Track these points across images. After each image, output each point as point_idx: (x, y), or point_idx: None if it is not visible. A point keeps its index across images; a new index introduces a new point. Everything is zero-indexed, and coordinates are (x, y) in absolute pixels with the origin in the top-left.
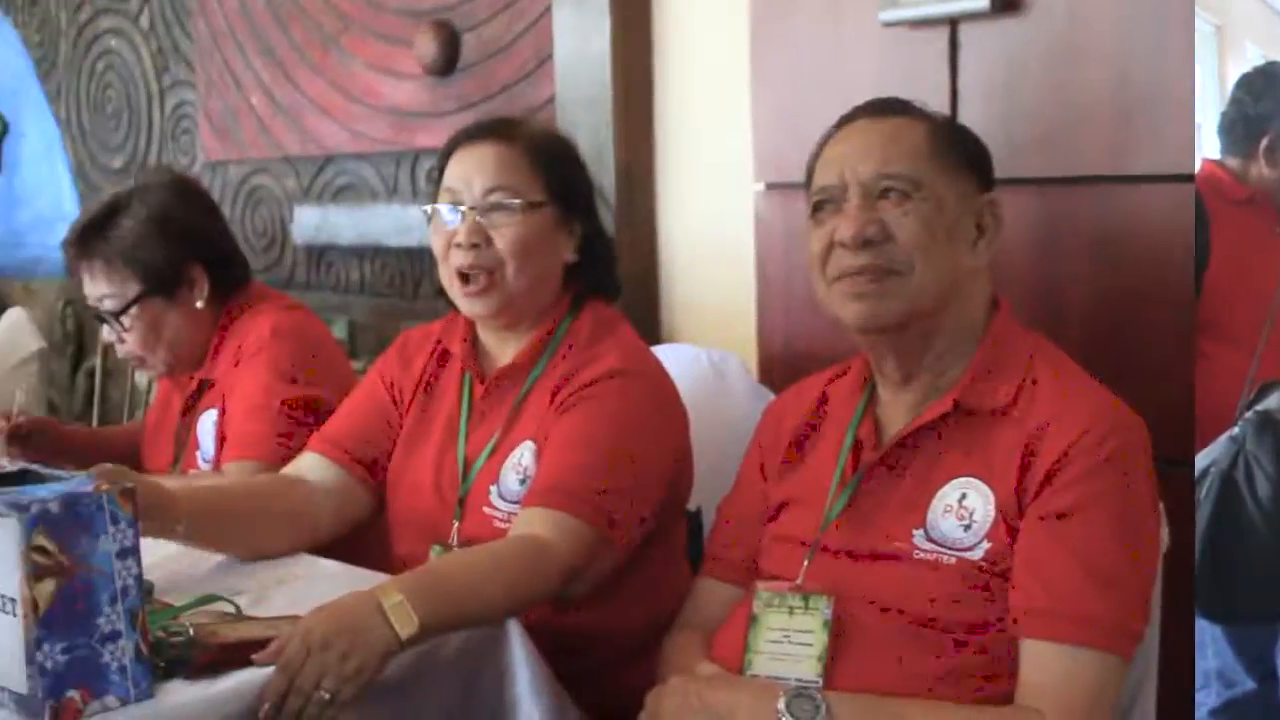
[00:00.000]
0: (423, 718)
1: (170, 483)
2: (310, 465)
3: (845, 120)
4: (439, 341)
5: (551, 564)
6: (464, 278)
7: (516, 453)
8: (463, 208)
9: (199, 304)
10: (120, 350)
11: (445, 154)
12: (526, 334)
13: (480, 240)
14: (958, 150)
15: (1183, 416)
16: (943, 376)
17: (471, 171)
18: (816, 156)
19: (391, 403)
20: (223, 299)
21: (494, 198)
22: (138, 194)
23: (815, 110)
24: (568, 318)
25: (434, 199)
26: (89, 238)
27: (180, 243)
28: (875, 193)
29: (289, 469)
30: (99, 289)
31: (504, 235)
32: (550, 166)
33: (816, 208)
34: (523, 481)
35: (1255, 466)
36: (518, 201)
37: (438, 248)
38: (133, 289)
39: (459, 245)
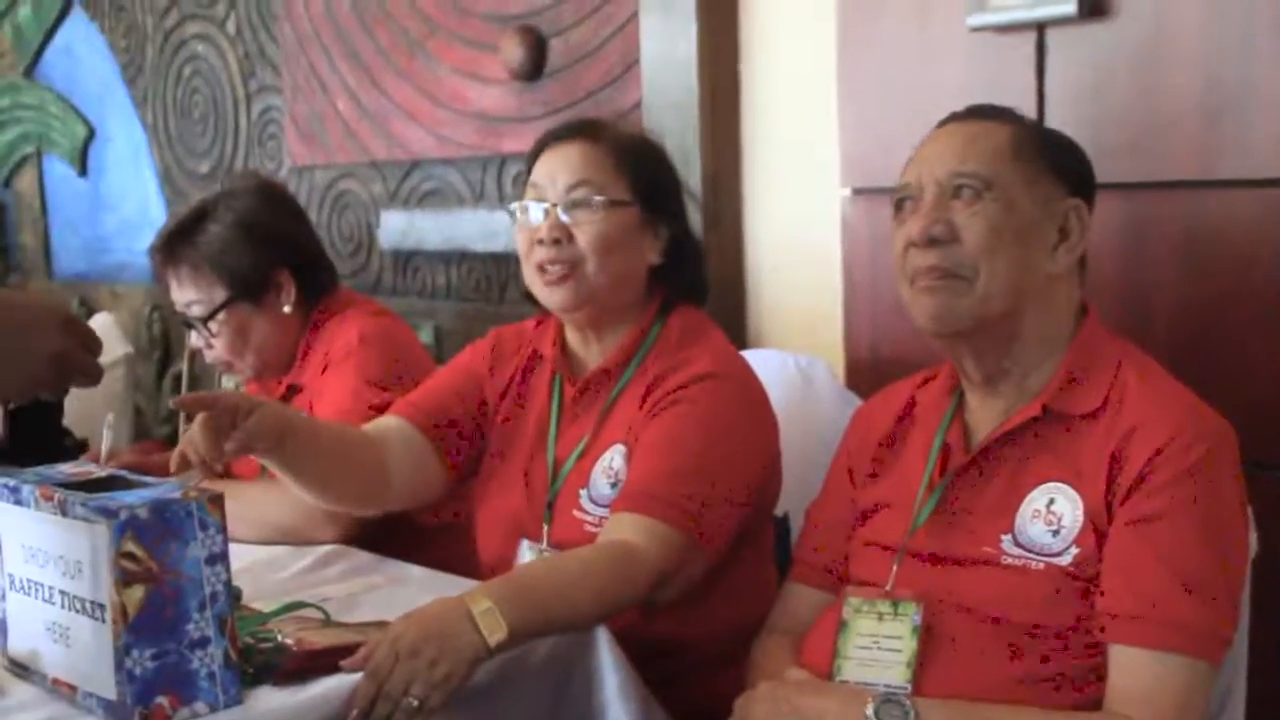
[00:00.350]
0: None
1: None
2: (391, 426)
3: (939, 125)
4: (531, 343)
5: (640, 570)
6: (543, 270)
7: (607, 456)
8: (546, 204)
9: (286, 309)
10: (208, 355)
11: (533, 154)
12: (615, 337)
13: (561, 236)
14: (1044, 155)
15: (1271, 421)
16: (1030, 382)
17: (557, 169)
18: (910, 160)
19: (477, 392)
20: (310, 304)
21: (577, 194)
22: (224, 200)
23: (902, 115)
24: (657, 321)
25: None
26: (176, 244)
27: (267, 248)
28: (949, 192)
29: (369, 426)
30: (186, 295)
31: (585, 232)
32: (636, 167)
33: (898, 207)
34: (613, 485)
35: None
36: (600, 198)
37: (522, 245)
38: (219, 295)
39: (540, 241)
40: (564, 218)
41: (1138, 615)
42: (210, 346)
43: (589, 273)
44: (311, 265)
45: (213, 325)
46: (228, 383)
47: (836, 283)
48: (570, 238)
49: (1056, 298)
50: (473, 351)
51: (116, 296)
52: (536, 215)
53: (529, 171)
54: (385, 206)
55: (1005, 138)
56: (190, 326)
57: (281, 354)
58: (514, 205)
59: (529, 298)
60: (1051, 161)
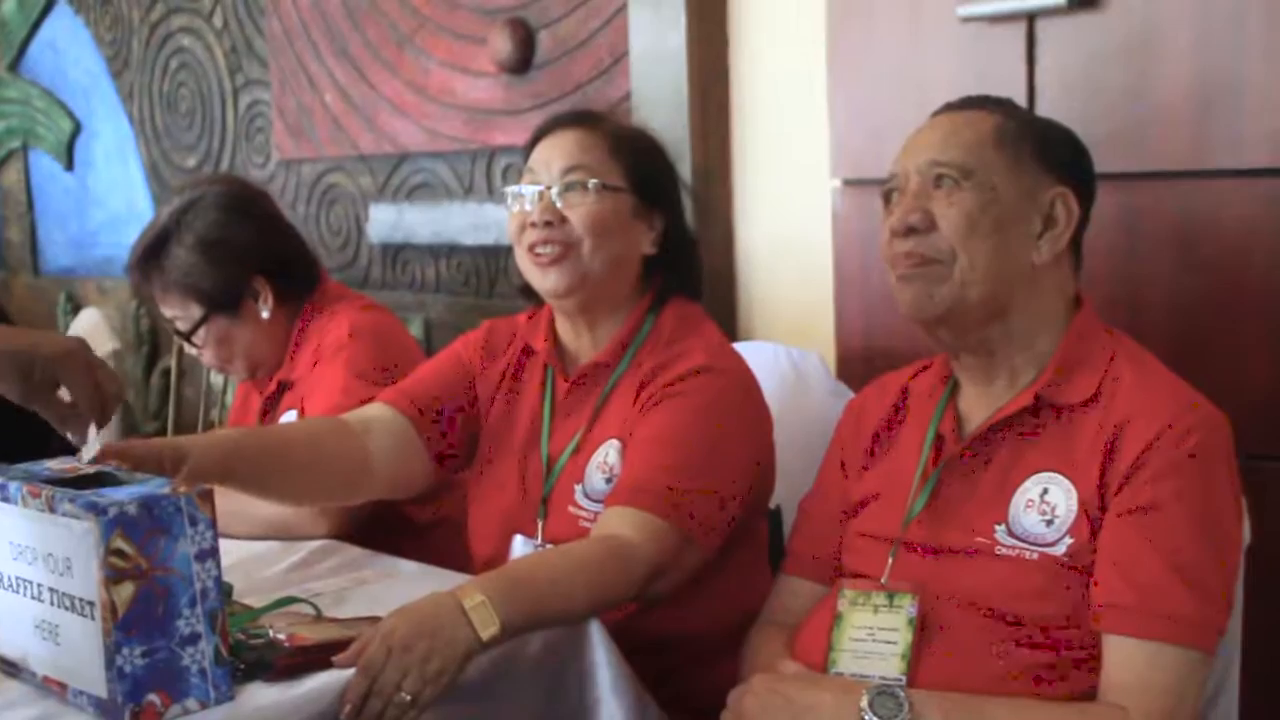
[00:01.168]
0: (504, 719)
1: (228, 431)
2: (376, 412)
3: (932, 115)
4: (523, 337)
5: (634, 564)
6: (535, 253)
7: (601, 451)
8: (540, 187)
9: (265, 314)
10: (201, 360)
11: (531, 142)
12: (607, 329)
13: (554, 219)
14: (1030, 143)
15: (1265, 411)
16: (1023, 371)
17: (553, 154)
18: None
19: (468, 383)
20: (295, 302)
21: (571, 177)
22: (187, 216)
23: (893, 105)
24: (651, 314)
25: None
26: (145, 267)
27: (233, 264)
28: (930, 181)
29: (353, 414)
30: (167, 311)
31: (578, 213)
32: (631, 156)
33: (886, 199)
34: (608, 480)
35: None
36: (594, 181)
37: (513, 230)
38: (196, 311)
39: (533, 224)
40: (557, 202)
41: (1132, 605)
42: (201, 355)
43: (584, 254)
44: (286, 267)
45: (196, 338)
46: (216, 378)
47: (828, 274)
48: (563, 220)
49: (1043, 286)
50: (464, 342)
51: (104, 292)
52: (530, 199)
53: (526, 159)
54: (374, 200)
55: (990, 126)
56: (179, 334)
57: (271, 354)
58: (509, 189)
59: (523, 292)
60: (1037, 150)
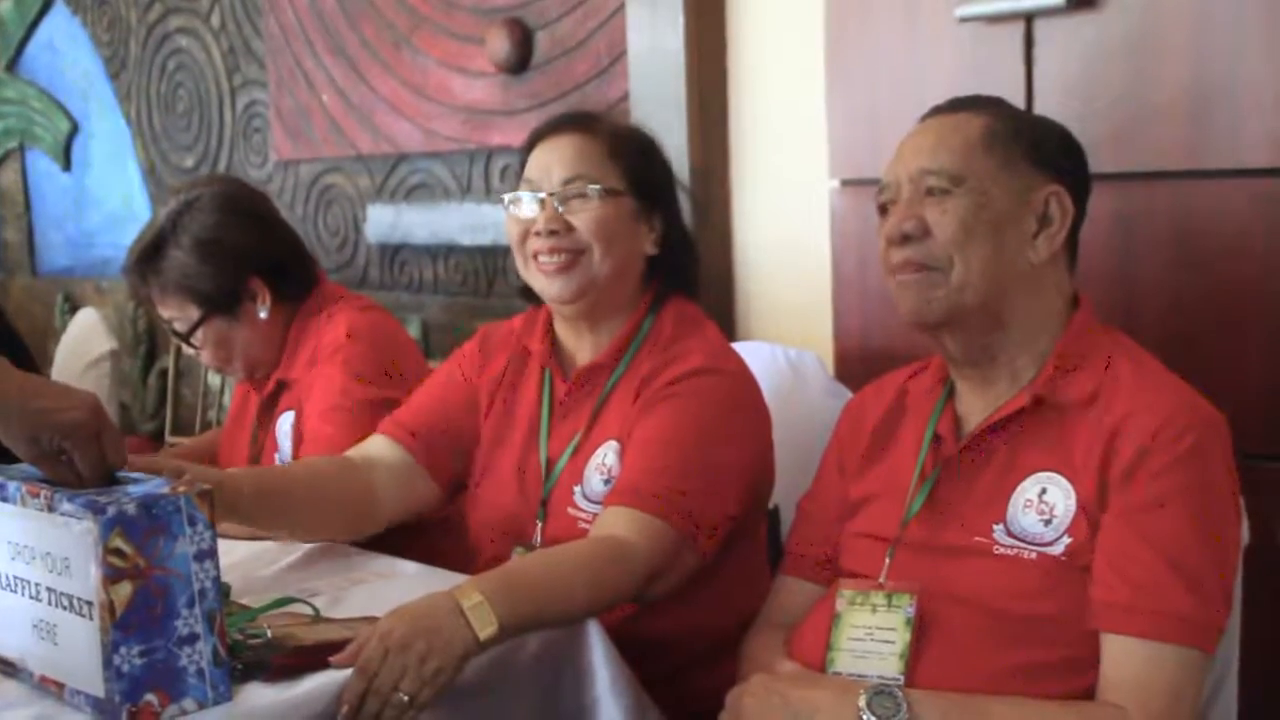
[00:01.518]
0: (502, 719)
1: (231, 469)
2: (378, 447)
3: (921, 119)
4: (519, 339)
5: (633, 565)
6: (540, 261)
7: (600, 452)
8: (541, 194)
9: (263, 315)
10: (201, 361)
11: (527, 147)
12: (607, 331)
13: (559, 227)
14: (1019, 143)
15: (1262, 411)
16: (1021, 371)
17: (551, 161)
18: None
19: (468, 399)
20: (293, 303)
21: (572, 186)
22: (183, 218)
23: (891, 105)
24: (650, 315)
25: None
26: (142, 269)
27: (230, 264)
28: (921, 188)
29: (355, 450)
30: (165, 313)
31: (582, 220)
32: (629, 158)
33: (882, 210)
34: (607, 482)
35: None
36: (596, 188)
37: (514, 236)
38: (193, 313)
39: (538, 233)
40: (560, 209)
41: (1131, 604)
42: (199, 355)
43: (593, 261)
44: (284, 268)
45: (194, 340)
46: (214, 379)
47: (826, 274)
48: (569, 228)
49: (1043, 285)
50: (459, 357)
51: (101, 292)
52: (531, 207)
53: (523, 165)
54: (372, 200)
55: (978, 129)
56: (178, 335)
57: (269, 354)
58: (507, 195)
59: (522, 293)
60: (1028, 148)
